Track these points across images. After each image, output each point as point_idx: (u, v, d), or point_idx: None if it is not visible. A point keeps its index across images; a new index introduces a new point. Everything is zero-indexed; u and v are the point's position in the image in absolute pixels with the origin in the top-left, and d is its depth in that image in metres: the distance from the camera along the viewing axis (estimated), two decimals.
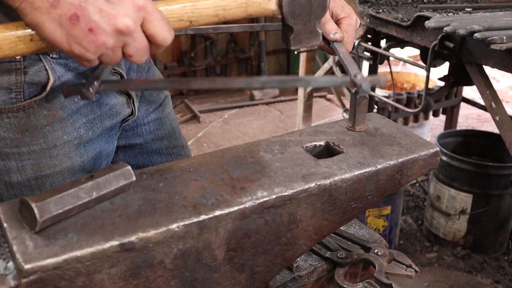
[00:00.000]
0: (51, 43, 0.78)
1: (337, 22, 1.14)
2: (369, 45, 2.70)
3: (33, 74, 1.01)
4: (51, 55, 1.03)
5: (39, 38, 0.79)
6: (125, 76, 1.19)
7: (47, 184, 1.07)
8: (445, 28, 1.96)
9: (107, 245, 0.70)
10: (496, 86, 4.86)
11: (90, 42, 0.77)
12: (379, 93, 3.60)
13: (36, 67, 1.01)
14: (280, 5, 0.89)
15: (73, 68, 1.07)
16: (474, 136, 3.27)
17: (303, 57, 3.16)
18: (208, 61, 5.31)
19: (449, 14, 2.31)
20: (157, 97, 1.32)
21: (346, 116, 2.57)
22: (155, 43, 0.82)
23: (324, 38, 1.16)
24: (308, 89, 3.18)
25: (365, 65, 3.09)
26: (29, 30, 0.79)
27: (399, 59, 2.86)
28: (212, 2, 0.85)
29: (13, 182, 1.06)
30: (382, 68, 3.99)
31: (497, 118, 2.07)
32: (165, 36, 0.82)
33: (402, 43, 2.67)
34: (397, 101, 3.33)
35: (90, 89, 0.90)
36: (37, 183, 1.07)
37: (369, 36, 2.75)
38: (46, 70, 1.02)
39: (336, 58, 2.80)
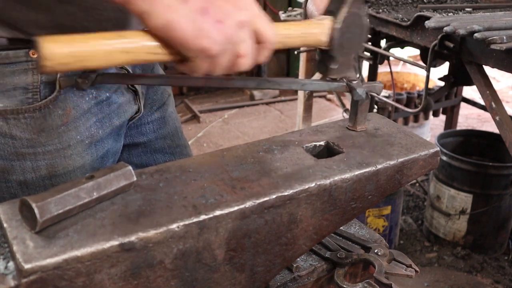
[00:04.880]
0: (179, 41, 0.78)
1: None
2: (369, 45, 2.70)
3: None
4: None
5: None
6: (130, 71, 1.19)
7: (60, 183, 1.08)
8: (445, 28, 1.96)
9: (107, 245, 0.70)
10: (496, 86, 4.85)
11: (219, 33, 0.78)
12: None
13: None
14: (331, 38, 0.96)
15: None
16: (474, 136, 3.27)
17: (303, 57, 3.16)
18: None
19: (449, 14, 2.31)
20: (161, 95, 1.33)
21: (346, 116, 2.57)
22: (263, 40, 0.83)
23: None
24: None
25: (365, 65, 3.09)
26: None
27: (399, 59, 2.86)
28: (277, 31, 0.88)
29: (27, 182, 1.06)
30: (382, 68, 3.99)
31: (497, 118, 2.07)
32: (272, 32, 0.83)
33: (402, 43, 2.67)
34: (397, 101, 3.33)
35: (86, 80, 0.90)
36: (51, 182, 1.07)
37: (369, 36, 2.75)
38: None
39: None
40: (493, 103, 2.08)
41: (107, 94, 1.12)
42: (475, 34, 1.84)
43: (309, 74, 3.17)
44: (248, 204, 0.80)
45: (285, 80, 1.00)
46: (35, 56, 1.00)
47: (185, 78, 0.98)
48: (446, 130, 3.74)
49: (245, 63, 0.83)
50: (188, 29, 0.77)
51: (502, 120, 2.06)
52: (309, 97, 3.24)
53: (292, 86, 1.03)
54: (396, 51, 2.97)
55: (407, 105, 3.40)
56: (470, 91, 4.67)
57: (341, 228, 1.13)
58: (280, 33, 0.90)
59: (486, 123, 4.72)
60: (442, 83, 3.06)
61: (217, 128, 4.62)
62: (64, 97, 1.04)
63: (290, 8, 3.20)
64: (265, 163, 0.91)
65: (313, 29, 0.95)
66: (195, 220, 0.76)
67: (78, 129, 1.07)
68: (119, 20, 1.04)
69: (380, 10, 2.49)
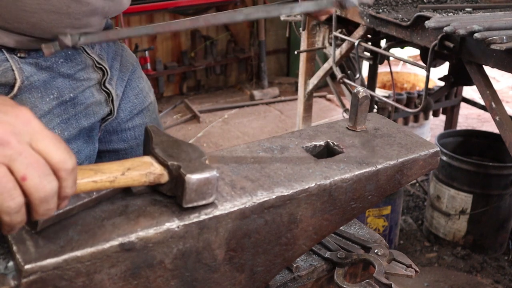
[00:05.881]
0: None
1: None
2: (369, 45, 2.70)
3: None
4: (18, 54, 1.01)
5: None
6: (108, 71, 1.17)
7: None
8: (445, 28, 1.96)
9: (107, 245, 0.70)
10: (496, 86, 4.86)
11: None
12: (379, 93, 3.61)
13: (2, 68, 0.99)
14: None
15: (46, 67, 1.05)
16: (474, 136, 3.27)
17: (303, 57, 3.16)
18: (208, 61, 5.31)
19: (449, 14, 2.31)
20: (143, 99, 1.31)
21: (346, 116, 2.57)
22: (51, 163, 0.65)
23: None
24: (308, 89, 3.18)
25: (365, 65, 3.10)
26: None
27: (399, 59, 2.87)
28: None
29: None
30: (382, 68, 3.99)
31: (497, 118, 2.07)
32: (62, 155, 0.65)
33: (402, 43, 2.67)
34: (397, 101, 3.33)
35: (69, 36, 0.88)
36: None
37: (369, 36, 2.75)
38: (13, 70, 1.00)
39: (336, 58, 2.80)
40: (493, 103, 2.08)
41: (71, 95, 1.10)
42: (475, 34, 1.84)
43: (309, 74, 3.17)
44: (248, 204, 0.80)
45: (273, 7, 0.94)
46: None
47: (168, 24, 0.94)
48: (446, 130, 3.74)
49: (39, 191, 0.63)
50: None
51: (502, 120, 2.06)
52: (309, 97, 3.24)
53: (282, 11, 0.97)
54: (396, 51, 2.97)
55: (407, 105, 3.40)
56: (470, 91, 4.67)
57: (341, 228, 1.13)
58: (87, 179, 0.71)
59: (486, 123, 4.72)
60: (442, 83, 3.06)
61: (217, 128, 4.63)
62: (20, 97, 1.02)
63: None
64: (265, 163, 0.91)
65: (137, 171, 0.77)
66: (195, 220, 0.76)
67: None
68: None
69: (380, 10, 2.49)
